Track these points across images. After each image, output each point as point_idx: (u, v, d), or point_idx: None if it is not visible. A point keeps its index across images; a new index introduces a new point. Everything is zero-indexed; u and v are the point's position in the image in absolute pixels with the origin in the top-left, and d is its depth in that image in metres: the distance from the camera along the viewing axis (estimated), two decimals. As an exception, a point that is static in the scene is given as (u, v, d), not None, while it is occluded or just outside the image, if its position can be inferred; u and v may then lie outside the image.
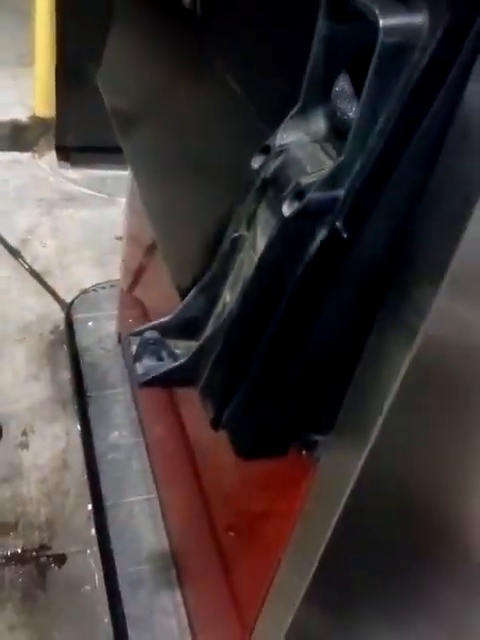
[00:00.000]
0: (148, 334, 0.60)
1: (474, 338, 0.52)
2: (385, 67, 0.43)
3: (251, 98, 0.63)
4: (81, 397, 1.63)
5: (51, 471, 1.54)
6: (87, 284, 2.02)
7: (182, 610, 1.24)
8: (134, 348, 0.61)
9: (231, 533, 1.03)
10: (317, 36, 0.49)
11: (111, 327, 1.81)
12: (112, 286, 1.90)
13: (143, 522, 1.38)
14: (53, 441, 1.60)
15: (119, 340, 1.74)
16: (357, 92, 0.49)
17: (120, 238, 1.84)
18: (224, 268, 0.62)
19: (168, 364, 0.60)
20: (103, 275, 2.07)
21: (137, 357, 0.60)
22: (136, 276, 1.68)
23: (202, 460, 1.15)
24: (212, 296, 0.63)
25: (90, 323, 1.83)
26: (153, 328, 0.62)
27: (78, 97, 2.31)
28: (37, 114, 2.72)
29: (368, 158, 0.46)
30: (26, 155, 2.64)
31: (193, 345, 0.63)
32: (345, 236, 0.49)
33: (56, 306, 1.96)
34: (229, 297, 0.61)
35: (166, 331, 0.63)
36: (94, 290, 1.95)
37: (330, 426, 0.62)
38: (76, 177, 2.59)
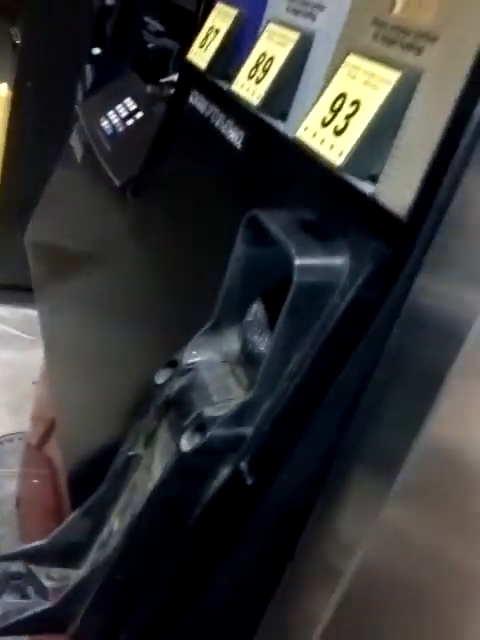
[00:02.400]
0: (13, 567, 0.50)
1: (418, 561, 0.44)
2: (300, 306, 0.39)
3: (167, 302, 0.59)
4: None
5: None
6: (-3, 433, 1.87)
7: None
8: (-6, 582, 0.50)
9: None
10: (233, 256, 0.46)
11: (12, 487, 1.64)
12: (20, 439, 1.76)
13: None
14: None
15: (17, 504, 1.57)
16: (272, 320, 0.44)
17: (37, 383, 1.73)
18: (115, 488, 0.53)
19: (34, 605, 0.50)
20: (16, 424, 1.93)
21: (-4, 594, 0.49)
22: (47, 429, 1.56)
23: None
24: (98, 519, 0.54)
25: (-11, 481, 1.66)
26: (23, 555, 0.52)
27: (9, 237, 2.31)
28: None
29: (279, 400, 0.41)
30: (-48, 291, 2.56)
31: (70, 574, 0.53)
32: (249, 482, 0.42)
33: (-44, 456, 1.79)
34: (117, 524, 0.52)
35: (39, 556, 0.53)
36: (0, 443, 1.80)
37: None
38: (4, 315, 2.51)
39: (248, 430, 0.43)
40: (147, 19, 1.02)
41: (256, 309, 0.45)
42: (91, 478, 0.57)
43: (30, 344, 2.36)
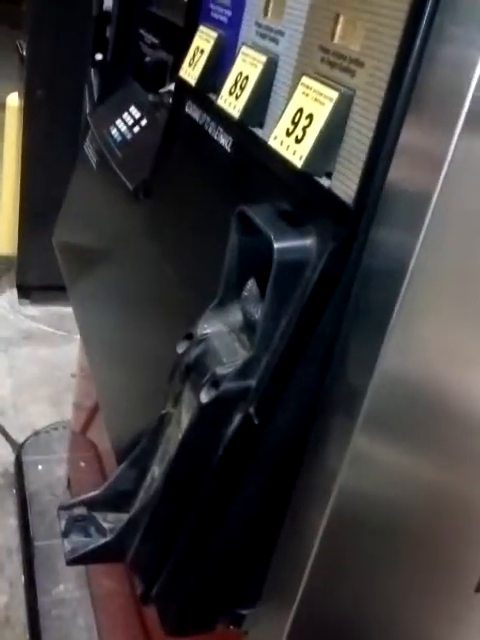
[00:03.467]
0: (76, 511, 0.62)
1: (392, 477, 0.55)
2: (281, 280, 0.50)
3: (180, 286, 0.70)
4: (27, 547, 1.58)
5: (-9, 629, 1.46)
6: (41, 424, 2.01)
7: None
8: (62, 524, 0.62)
9: None
10: (229, 245, 0.56)
11: (62, 471, 1.78)
12: (64, 427, 1.90)
13: None
14: (-4, 595, 1.53)
15: (68, 485, 1.71)
16: (264, 296, 0.55)
17: (75, 376, 1.86)
18: (153, 442, 0.65)
19: (96, 541, 0.61)
20: (58, 414, 2.07)
21: (65, 534, 0.61)
22: (89, 417, 1.68)
23: (151, 617, 1.11)
24: (142, 469, 0.65)
25: (40, 466, 1.81)
26: (82, 503, 0.64)
27: (40, 237, 2.42)
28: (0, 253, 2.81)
29: (273, 356, 0.51)
30: (-14, 293, 2.71)
31: (123, 517, 0.65)
32: (256, 422, 0.53)
33: (7, 448, 1.93)
34: (157, 471, 0.64)
35: (96, 504, 0.65)
36: (46, 431, 1.94)
37: (256, 598, 0.62)
38: (35, 314, 2.65)
39: (252, 382, 0.54)
40: (142, 31, 1.12)
41: (251, 286, 0.56)
42: (134, 441, 0.68)
43: (63, 340, 2.50)
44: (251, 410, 0.54)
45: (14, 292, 2.71)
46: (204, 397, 0.55)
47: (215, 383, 0.55)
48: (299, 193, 0.53)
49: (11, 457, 1.88)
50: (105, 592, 1.40)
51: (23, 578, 1.53)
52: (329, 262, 0.48)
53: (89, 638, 1.40)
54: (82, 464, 1.70)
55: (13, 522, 1.69)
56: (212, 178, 0.69)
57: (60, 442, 1.87)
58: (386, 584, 0.60)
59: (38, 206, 2.35)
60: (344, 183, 0.46)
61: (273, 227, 0.50)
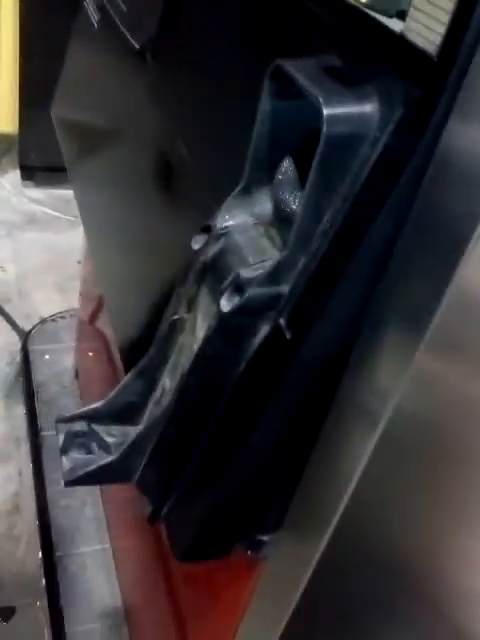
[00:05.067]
0: (77, 426, 0.54)
1: (453, 402, 0.47)
2: (330, 160, 0.38)
3: (197, 166, 0.58)
4: (35, 436, 1.56)
5: (2, 516, 1.46)
6: (47, 312, 1.95)
7: (133, 675, 1.17)
8: (61, 439, 0.55)
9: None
10: (260, 112, 0.44)
11: (69, 360, 1.73)
12: (72, 316, 1.83)
13: (95, 575, 1.31)
14: (5, 483, 1.52)
15: (76, 376, 1.67)
16: (303, 177, 0.44)
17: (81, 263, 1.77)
18: (163, 351, 0.56)
19: (98, 459, 0.54)
20: (64, 302, 2.00)
21: (64, 450, 0.54)
22: (97, 306, 1.61)
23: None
24: (151, 379, 0.57)
25: (47, 356, 1.76)
26: (84, 415, 0.56)
27: (43, 115, 2.24)
28: (0, 131, 2.63)
29: (313, 257, 0.41)
30: (-12, 174, 2.57)
31: (129, 431, 0.57)
32: (288, 336, 0.44)
33: (13, 335, 1.88)
34: (169, 382, 0.56)
35: (99, 417, 0.57)
36: (53, 320, 1.88)
37: (278, 524, 0.56)
38: (40, 197, 2.52)
39: (284, 288, 0.44)
40: None
41: (286, 167, 0.44)
42: (142, 345, 0.60)
43: (69, 225, 2.38)
44: (282, 322, 0.45)
45: (17, 173, 2.56)
46: (225, 304, 0.45)
47: (239, 288, 0.45)
48: (355, 43, 0.40)
49: (17, 345, 1.83)
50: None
51: (31, 468, 1.52)
52: (395, 136, 0.37)
53: (97, 528, 1.40)
54: (90, 354, 1.65)
55: (20, 411, 1.66)
56: (237, 29, 0.56)
57: (67, 331, 1.81)
58: (429, 512, 0.54)
59: (40, 77, 2.15)
60: (425, 25, 0.34)
61: (321, 88, 0.38)
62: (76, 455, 0.55)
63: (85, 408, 0.57)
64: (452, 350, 0.39)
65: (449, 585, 0.63)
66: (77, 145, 0.99)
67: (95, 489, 1.46)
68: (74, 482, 0.54)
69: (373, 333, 0.42)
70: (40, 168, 2.51)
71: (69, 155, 1.01)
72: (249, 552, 0.57)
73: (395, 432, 0.45)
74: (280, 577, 0.59)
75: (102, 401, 0.58)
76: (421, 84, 0.35)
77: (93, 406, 0.57)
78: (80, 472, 0.54)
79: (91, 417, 0.57)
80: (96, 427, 0.56)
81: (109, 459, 0.54)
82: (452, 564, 0.61)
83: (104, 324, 1.55)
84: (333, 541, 0.52)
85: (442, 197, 0.37)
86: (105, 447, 0.56)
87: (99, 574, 1.32)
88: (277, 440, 0.52)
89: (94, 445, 0.55)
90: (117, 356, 1.33)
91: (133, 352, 0.65)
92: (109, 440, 0.57)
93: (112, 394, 0.58)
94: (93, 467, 0.54)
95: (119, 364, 1.36)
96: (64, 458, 0.55)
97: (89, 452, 0.55)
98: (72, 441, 0.54)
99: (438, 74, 0.34)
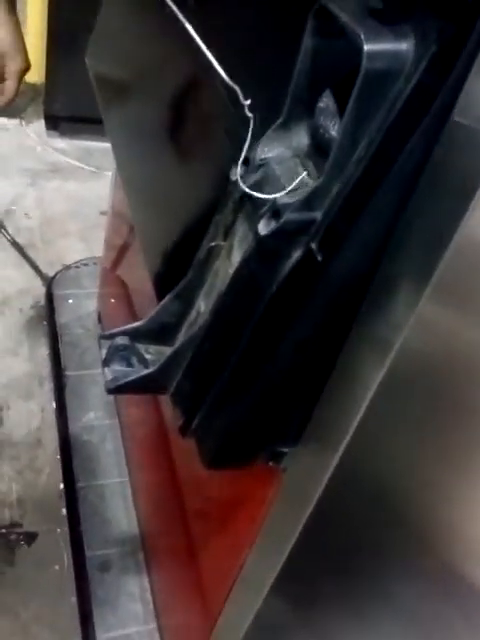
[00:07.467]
0: (119, 340, 0.60)
1: (457, 346, 0.51)
2: (368, 93, 0.42)
3: (237, 102, 0.62)
4: (58, 376, 1.63)
5: (25, 448, 1.53)
6: (70, 259, 2.00)
7: (148, 595, 1.25)
8: (104, 352, 0.60)
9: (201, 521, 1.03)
10: (303, 50, 0.48)
11: (91, 306, 1.79)
12: (95, 263, 1.88)
13: (114, 505, 1.39)
14: (28, 418, 1.59)
15: (99, 320, 1.73)
16: (341, 111, 0.48)
17: (105, 213, 1.81)
18: (200, 275, 0.61)
19: (138, 371, 0.60)
20: (86, 250, 2.05)
21: (106, 362, 0.60)
22: (119, 255, 1.65)
23: (176, 444, 1.15)
24: (187, 302, 0.62)
25: (70, 300, 1.81)
26: (125, 333, 0.61)
27: (70, 64, 2.23)
28: (26, 79, 2.64)
29: (346, 184, 0.45)
30: (13, 122, 2.59)
31: (164, 350, 0.62)
32: (319, 258, 0.49)
33: (37, 280, 1.93)
34: (204, 305, 0.61)
35: (138, 335, 0.63)
36: (76, 266, 1.93)
37: (297, 438, 0.61)
38: (64, 147, 2.54)
39: (318, 214, 0.48)
40: None
41: (327, 98, 0.48)
42: (174, 273, 0.65)
43: (92, 176, 2.42)
44: (314, 246, 0.49)
45: (42, 123, 2.58)
46: (263, 228, 0.50)
47: (276, 213, 0.49)
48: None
49: (41, 290, 1.89)
50: (133, 420, 1.46)
51: (54, 404, 1.59)
52: (427, 72, 0.41)
53: (117, 462, 1.47)
54: (112, 300, 1.71)
55: (44, 352, 1.73)
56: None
57: (90, 278, 1.86)
58: (432, 446, 0.59)
59: (68, 26, 2.16)
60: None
61: (362, 26, 0.42)
62: (117, 367, 0.60)
63: (127, 326, 0.62)
64: (456, 297, 0.44)
65: (436, 524, 0.68)
66: (113, 93, 1.02)
67: (115, 427, 1.53)
68: (115, 390, 0.59)
69: (392, 264, 0.47)
70: (65, 118, 2.52)
71: (104, 103, 1.04)
72: (270, 462, 0.63)
73: (402, 366, 0.50)
74: (296, 488, 0.65)
75: (142, 320, 0.63)
76: (455, 21, 0.38)
77: (133, 325, 0.63)
78: (121, 381, 0.59)
79: (132, 334, 0.62)
80: (137, 344, 0.62)
81: (148, 371, 0.59)
82: (442, 507, 0.66)
83: (126, 273, 1.60)
84: (342, 462, 0.57)
85: (461, 139, 0.41)
86: (143, 361, 0.61)
87: (118, 504, 1.39)
88: (301, 359, 0.57)
89: (134, 359, 0.60)
90: (137, 304, 1.38)
91: (165, 280, 0.70)
92: (147, 356, 0.62)
93: (151, 314, 0.63)
94: (133, 377, 0.59)
95: (139, 311, 1.41)
96: (106, 369, 0.60)
97: (129, 365, 0.61)
98: (115, 354, 0.60)
99: (471, 11, 0.37)
